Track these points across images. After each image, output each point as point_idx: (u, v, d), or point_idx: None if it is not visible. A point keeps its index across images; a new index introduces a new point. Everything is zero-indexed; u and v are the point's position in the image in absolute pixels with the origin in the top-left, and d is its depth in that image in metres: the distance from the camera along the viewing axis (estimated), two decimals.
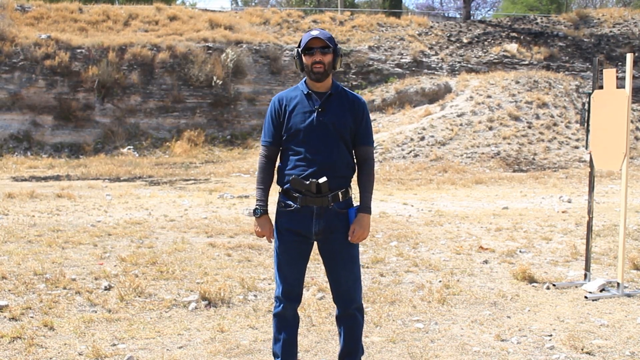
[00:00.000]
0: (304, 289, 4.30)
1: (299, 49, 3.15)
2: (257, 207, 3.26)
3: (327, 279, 5.18)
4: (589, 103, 5.51)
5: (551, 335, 4.21)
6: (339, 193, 3.12)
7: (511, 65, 23.60)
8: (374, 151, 17.45)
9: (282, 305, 3.23)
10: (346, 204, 3.17)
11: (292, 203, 3.15)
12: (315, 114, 3.11)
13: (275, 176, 3.28)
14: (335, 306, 3.33)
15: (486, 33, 26.15)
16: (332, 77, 3.21)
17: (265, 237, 3.28)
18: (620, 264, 5.09)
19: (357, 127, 3.17)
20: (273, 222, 3.30)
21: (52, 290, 5.04)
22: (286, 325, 3.26)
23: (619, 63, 23.31)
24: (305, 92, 3.16)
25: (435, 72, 23.13)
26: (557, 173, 15.48)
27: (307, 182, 3.07)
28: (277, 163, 3.27)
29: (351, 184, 3.24)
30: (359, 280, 3.26)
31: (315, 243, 3.25)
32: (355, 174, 3.26)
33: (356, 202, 3.25)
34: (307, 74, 3.14)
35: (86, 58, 20.73)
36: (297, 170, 3.11)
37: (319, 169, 3.08)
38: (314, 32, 3.11)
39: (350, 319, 3.27)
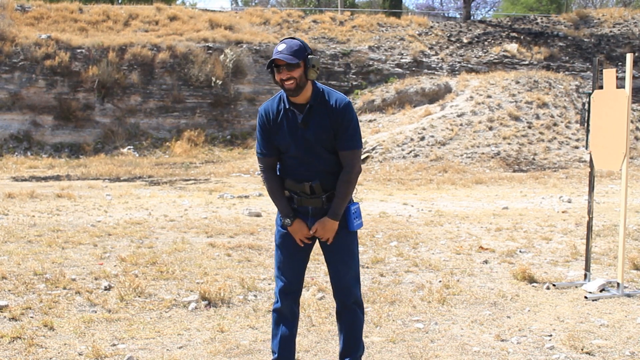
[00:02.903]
0: (304, 289, 4.30)
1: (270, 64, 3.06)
2: (286, 219, 3.18)
3: (327, 279, 5.18)
4: (589, 103, 5.51)
5: (551, 335, 4.21)
6: (334, 192, 3.17)
7: (511, 65, 23.60)
8: (375, 151, 17.48)
9: (279, 301, 3.28)
10: None
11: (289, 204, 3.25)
12: (299, 131, 3.11)
13: None
14: (334, 303, 3.38)
15: (486, 33, 26.15)
16: (313, 83, 3.13)
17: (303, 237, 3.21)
18: (620, 264, 5.09)
19: (336, 134, 3.10)
20: (274, 220, 3.34)
21: (52, 290, 5.04)
22: (283, 320, 3.29)
23: (619, 63, 23.31)
24: (287, 107, 3.12)
25: (435, 72, 23.12)
26: (557, 173, 15.48)
27: (301, 185, 3.16)
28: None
29: None
30: (357, 275, 3.32)
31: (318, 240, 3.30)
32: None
33: (356, 199, 3.29)
34: (282, 88, 3.10)
35: (86, 58, 20.73)
36: (291, 175, 3.19)
37: (310, 174, 3.15)
38: (280, 47, 3.01)
39: (350, 314, 3.31)
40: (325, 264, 3.38)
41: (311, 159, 3.13)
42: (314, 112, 3.10)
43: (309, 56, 3.04)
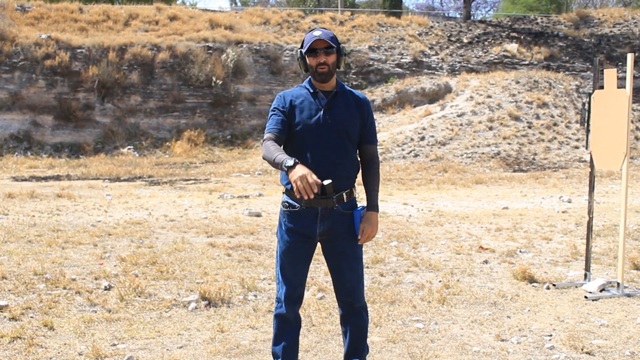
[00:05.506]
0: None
1: (302, 50, 3.12)
2: (288, 163, 2.78)
3: (327, 279, 5.18)
4: (589, 103, 5.51)
5: (551, 335, 4.21)
6: (344, 194, 3.10)
7: (511, 65, 23.60)
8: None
9: (283, 307, 3.20)
10: (351, 204, 3.15)
11: (296, 204, 3.10)
12: (322, 112, 3.09)
13: (280, 175, 3.25)
14: (338, 307, 3.31)
15: (486, 33, 26.15)
16: (336, 76, 3.22)
17: (312, 181, 2.71)
18: (620, 264, 5.09)
19: (363, 126, 3.18)
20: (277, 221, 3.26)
21: (52, 290, 5.04)
22: (288, 327, 3.24)
23: (620, 63, 23.32)
24: (312, 91, 3.15)
25: (436, 72, 23.12)
26: (557, 173, 15.48)
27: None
28: None
29: (355, 184, 3.23)
30: (362, 280, 3.26)
31: (318, 244, 3.23)
32: (360, 173, 3.25)
33: (360, 202, 3.24)
34: (312, 74, 3.13)
35: (86, 58, 20.73)
36: None
37: (324, 169, 3.02)
38: (317, 33, 3.07)
39: (356, 318, 3.26)
40: (325, 263, 3.34)
41: (327, 146, 3.05)
42: (339, 98, 3.16)
43: (340, 45, 3.16)
